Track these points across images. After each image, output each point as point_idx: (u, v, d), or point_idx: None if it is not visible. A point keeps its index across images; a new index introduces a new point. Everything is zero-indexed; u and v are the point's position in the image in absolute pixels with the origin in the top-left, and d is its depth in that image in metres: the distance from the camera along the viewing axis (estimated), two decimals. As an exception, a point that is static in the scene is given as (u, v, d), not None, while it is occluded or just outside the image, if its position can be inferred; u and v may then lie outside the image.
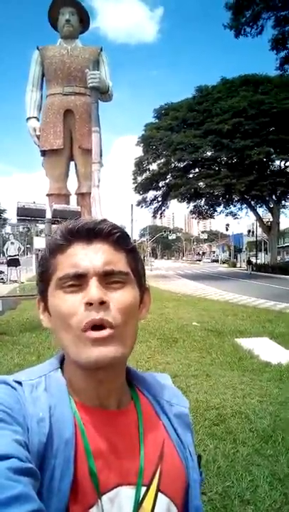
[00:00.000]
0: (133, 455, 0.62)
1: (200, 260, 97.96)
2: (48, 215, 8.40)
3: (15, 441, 0.50)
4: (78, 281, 0.59)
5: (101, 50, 11.37)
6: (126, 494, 0.58)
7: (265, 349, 5.87)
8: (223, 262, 68.27)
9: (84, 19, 11.57)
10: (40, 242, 10.97)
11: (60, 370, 0.65)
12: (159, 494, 0.61)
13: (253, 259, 40.01)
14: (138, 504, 0.59)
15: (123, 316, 0.59)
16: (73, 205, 11.11)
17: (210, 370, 4.73)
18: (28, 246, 40.36)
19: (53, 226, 8.36)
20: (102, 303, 0.57)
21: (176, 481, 0.64)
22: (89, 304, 0.57)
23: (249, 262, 36.78)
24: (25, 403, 0.57)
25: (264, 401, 3.78)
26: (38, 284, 0.66)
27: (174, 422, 0.69)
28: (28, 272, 19.97)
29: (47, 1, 11.32)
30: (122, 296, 0.60)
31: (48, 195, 11.34)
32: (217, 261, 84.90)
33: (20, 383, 0.60)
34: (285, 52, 24.50)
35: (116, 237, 0.63)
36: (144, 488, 0.60)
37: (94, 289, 0.57)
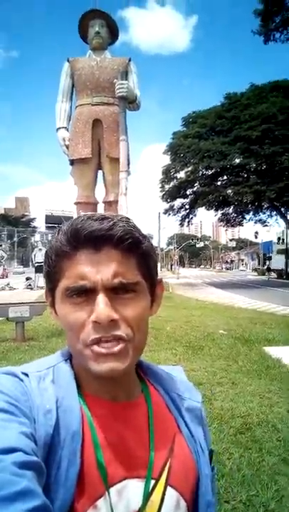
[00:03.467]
0: (142, 448, 0.61)
1: (214, 268, 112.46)
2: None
3: (21, 433, 0.50)
4: (85, 293, 0.57)
5: (129, 60, 11.57)
6: (134, 487, 0.58)
7: (294, 358, 5.71)
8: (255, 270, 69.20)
9: (113, 31, 11.83)
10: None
11: (69, 361, 0.65)
12: (168, 488, 0.60)
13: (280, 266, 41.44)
14: (146, 497, 0.58)
15: (134, 328, 0.58)
16: (100, 213, 11.28)
17: (236, 378, 4.65)
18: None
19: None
20: (112, 320, 0.55)
21: (186, 476, 0.63)
22: (97, 323, 0.55)
23: (268, 269, 42.75)
24: (31, 395, 0.57)
25: (292, 410, 3.68)
26: (46, 283, 0.64)
27: (186, 415, 0.68)
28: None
29: (77, 14, 11.67)
30: (133, 310, 0.58)
31: (76, 203, 11.59)
32: (229, 269, 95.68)
33: (27, 375, 0.60)
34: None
35: (127, 244, 0.58)
36: (152, 482, 0.59)
37: (102, 307, 0.55)
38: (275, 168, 28.90)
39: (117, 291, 0.57)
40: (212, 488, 0.67)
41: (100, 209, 11.76)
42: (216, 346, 6.41)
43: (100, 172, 11.75)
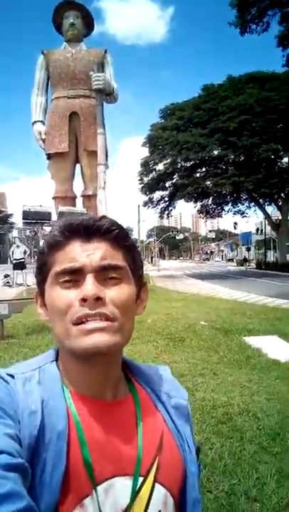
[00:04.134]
0: (130, 445, 0.61)
1: (191, 258, 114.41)
2: (54, 218, 8.45)
3: (6, 435, 0.50)
4: (75, 276, 0.59)
5: (105, 52, 11.42)
6: (122, 485, 0.58)
7: (274, 347, 5.84)
8: (229, 260, 72.26)
9: (88, 22, 11.63)
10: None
11: (55, 362, 0.65)
12: (156, 485, 0.60)
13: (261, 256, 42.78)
14: (134, 495, 0.58)
15: (120, 311, 0.59)
16: (79, 207, 11.18)
17: (217, 369, 4.73)
18: (36, 250, 40.68)
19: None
20: (98, 299, 0.57)
21: (174, 473, 0.64)
22: (84, 300, 0.57)
23: (245, 260, 44.44)
24: (16, 396, 0.57)
25: (272, 399, 3.77)
26: (37, 278, 0.66)
27: (173, 413, 0.69)
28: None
29: (51, 4, 11.44)
30: (118, 292, 0.60)
31: (53, 198, 11.45)
32: (206, 259, 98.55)
33: (13, 376, 0.60)
34: (291, 48, 24.27)
35: (114, 234, 0.63)
36: (141, 479, 0.59)
37: (90, 285, 0.57)
38: (253, 160, 29.23)
39: (104, 276, 0.60)
40: (198, 485, 0.68)
41: (79, 203, 11.65)
42: (197, 338, 6.49)
43: (77, 166, 11.62)
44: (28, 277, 17.44)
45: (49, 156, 11.25)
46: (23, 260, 16.60)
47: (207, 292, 15.38)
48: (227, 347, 5.85)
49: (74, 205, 11.33)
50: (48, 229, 11.32)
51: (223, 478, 2.48)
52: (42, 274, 0.64)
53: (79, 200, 11.73)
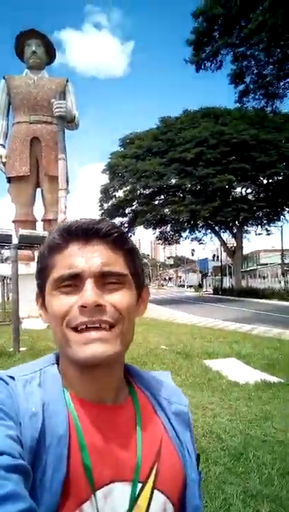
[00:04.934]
0: (129, 451, 0.61)
1: (150, 285, 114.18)
2: (15, 241, 8.28)
3: (8, 436, 0.49)
4: (74, 281, 0.58)
5: (67, 81, 11.68)
6: (121, 490, 0.57)
7: (233, 369, 5.95)
8: (180, 286, 75.17)
9: (50, 51, 11.90)
10: (5, 269, 10.72)
11: (56, 365, 0.65)
12: (155, 492, 0.59)
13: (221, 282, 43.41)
14: (133, 501, 0.57)
15: (121, 315, 0.59)
16: (40, 230, 11.08)
17: (180, 392, 4.73)
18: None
19: (20, 252, 8.24)
20: (98, 306, 0.57)
21: (174, 479, 0.63)
22: (83, 307, 0.56)
23: (200, 285, 46.52)
24: (17, 398, 0.56)
25: (234, 420, 3.82)
26: (37, 281, 0.65)
27: (173, 419, 0.68)
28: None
29: (14, 31, 11.62)
30: (119, 297, 0.59)
31: (14, 221, 11.28)
32: (162, 285, 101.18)
33: (13, 378, 0.59)
34: (243, 86, 25.85)
35: (114, 237, 0.61)
36: (139, 485, 0.59)
37: (89, 292, 0.56)
38: (209, 189, 30.36)
39: (105, 281, 0.59)
40: (199, 493, 0.67)
41: (39, 227, 11.52)
42: (158, 361, 6.48)
43: (38, 190, 11.59)
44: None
45: (9, 180, 11.17)
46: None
47: (167, 317, 15.44)
48: (188, 370, 5.88)
49: (34, 228, 11.20)
50: (6, 253, 11.05)
51: (190, 500, 2.45)
52: (42, 277, 0.63)
53: (39, 224, 11.63)
